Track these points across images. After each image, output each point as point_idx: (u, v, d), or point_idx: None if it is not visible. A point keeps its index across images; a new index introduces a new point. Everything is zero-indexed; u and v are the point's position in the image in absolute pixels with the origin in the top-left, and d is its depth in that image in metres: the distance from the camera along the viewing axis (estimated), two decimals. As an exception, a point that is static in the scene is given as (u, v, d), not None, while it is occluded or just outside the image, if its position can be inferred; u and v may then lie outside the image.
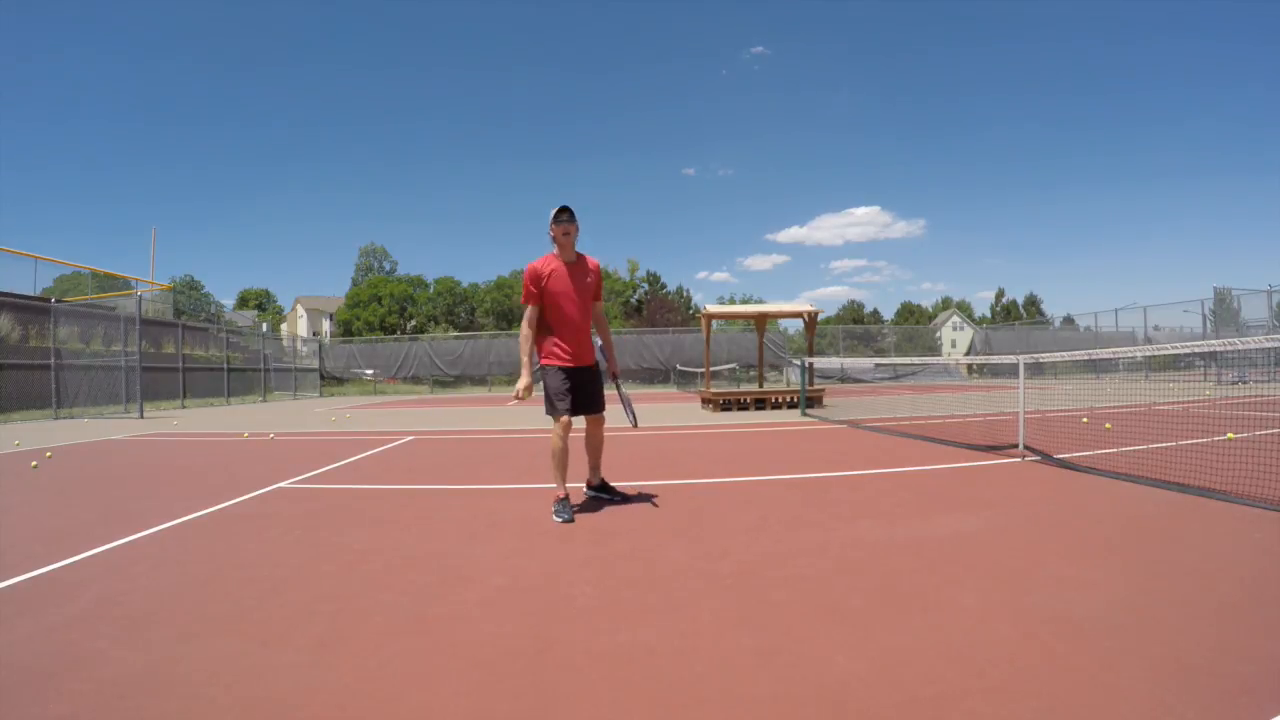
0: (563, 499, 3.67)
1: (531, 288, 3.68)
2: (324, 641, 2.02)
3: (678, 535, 3.24)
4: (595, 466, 3.97)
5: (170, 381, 20.41)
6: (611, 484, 4.04)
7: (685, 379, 27.36)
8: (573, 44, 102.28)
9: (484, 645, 1.97)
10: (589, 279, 3.75)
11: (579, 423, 3.85)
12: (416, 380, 33.47)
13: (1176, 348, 5.05)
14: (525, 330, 3.71)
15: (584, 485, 4.10)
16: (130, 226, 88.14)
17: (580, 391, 3.73)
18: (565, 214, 3.62)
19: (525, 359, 3.67)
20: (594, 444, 3.91)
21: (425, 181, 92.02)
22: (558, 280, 3.66)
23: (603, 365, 3.93)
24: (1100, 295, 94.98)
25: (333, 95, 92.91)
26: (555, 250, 3.72)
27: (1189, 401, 11.30)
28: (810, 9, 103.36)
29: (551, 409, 3.70)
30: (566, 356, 3.70)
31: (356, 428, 10.43)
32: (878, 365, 21.14)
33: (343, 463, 6.14)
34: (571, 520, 3.54)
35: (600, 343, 3.95)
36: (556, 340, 3.72)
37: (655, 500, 4.06)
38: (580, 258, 3.77)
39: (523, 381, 3.65)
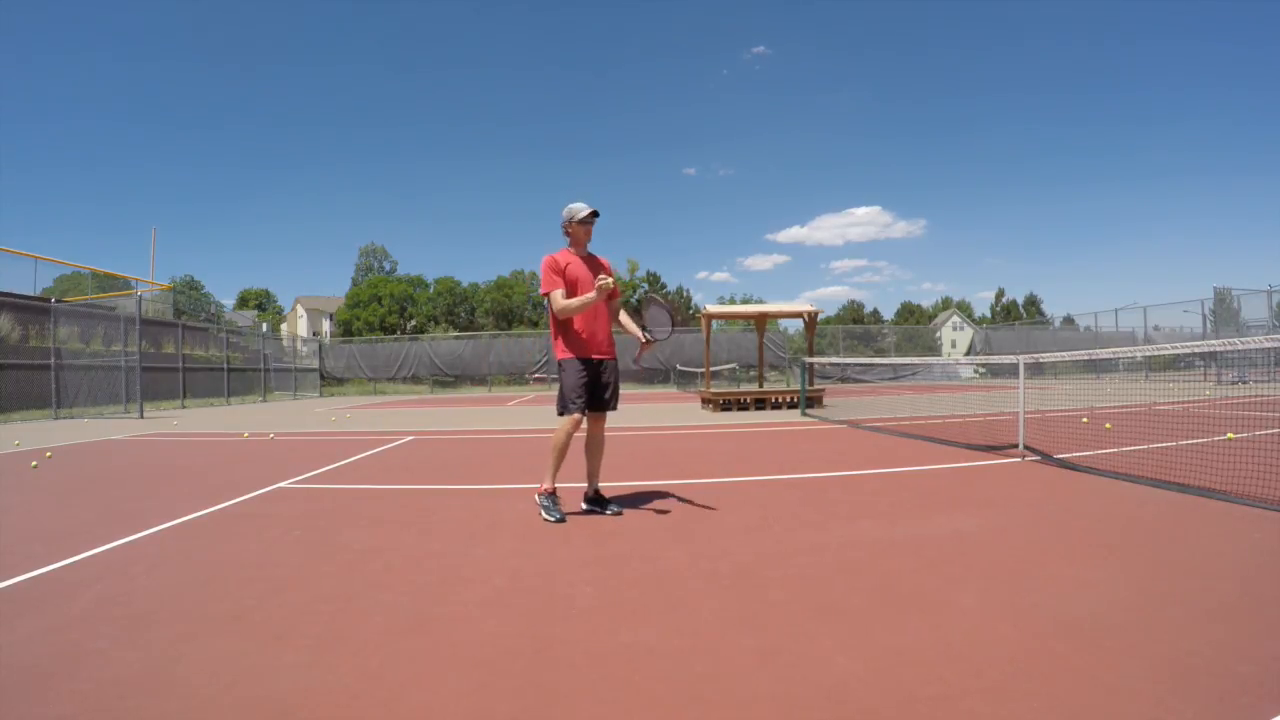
0: (551, 493, 3.67)
1: (554, 275, 3.74)
2: (324, 641, 2.02)
3: (678, 535, 3.24)
4: (593, 473, 3.88)
5: (170, 381, 20.41)
6: (607, 497, 3.87)
7: (685, 379, 27.35)
8: (573, 44, 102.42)
9: (484, 645, 1.97)
10: (603, 273, 3.80)
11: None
12: (416, 380, 33.46)
13: (1176, 348, 5.05)
14: (562, 304, 3.65)
15: (584, 496, 3.93)
16: (130, 226, 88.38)
17: (596, 387, 3.72)
18: (595, 217, 3.77)
19: (585, 298, 3.62)
20: (594, 444, 3.86)
21: (426, 181, 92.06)
22: (577, 269, 3.76)
23: (647, 335, 3.75)
24: (1100, 295, 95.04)
25: (333, 95, 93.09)
26: (569, 246, 3.83)
27: (1189, 401, 11.30)
28: (810, 9, 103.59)
29: (565, 406, 3.69)
30: (586, 349, 3.71)
31: (356, 428, 10.43)
32: (885, 365, 21.08)
33: (343, 463, 6.15)
34: (563, 520, 3.53)
35: (636, 329, 3.82)
36: (576, 332, 3.73)
37: (655, 500, 4.06)
38: (590, 254, 3.88)
39: (595, 292, 3.59)
